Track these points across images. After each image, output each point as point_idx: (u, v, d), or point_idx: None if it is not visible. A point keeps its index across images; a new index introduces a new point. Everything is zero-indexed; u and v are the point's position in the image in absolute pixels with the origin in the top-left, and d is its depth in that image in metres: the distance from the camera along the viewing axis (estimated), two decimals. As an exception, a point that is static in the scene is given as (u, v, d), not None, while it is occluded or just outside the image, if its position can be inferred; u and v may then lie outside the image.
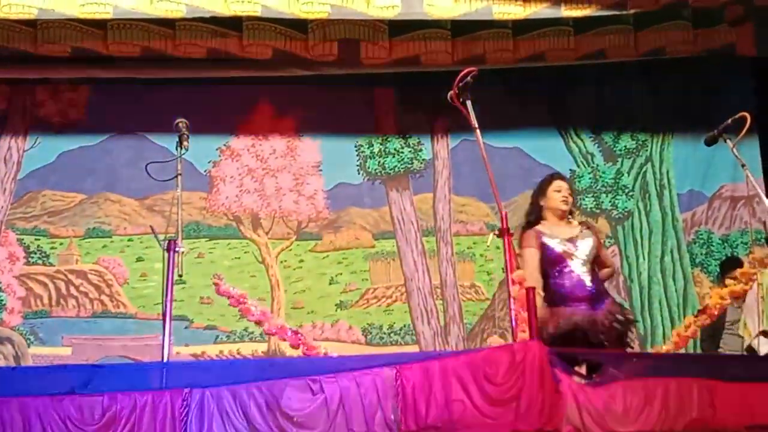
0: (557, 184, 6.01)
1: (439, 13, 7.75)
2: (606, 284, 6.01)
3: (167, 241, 4.83)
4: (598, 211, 9.14)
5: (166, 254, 4.79)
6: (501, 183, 6.22)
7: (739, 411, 4.45)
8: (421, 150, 9.06)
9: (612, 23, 8.15)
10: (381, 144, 9.03)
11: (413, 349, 8.45)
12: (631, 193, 9.21)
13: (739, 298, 6.55)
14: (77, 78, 8.43)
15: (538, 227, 5.86)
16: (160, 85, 8.37)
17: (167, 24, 7.73)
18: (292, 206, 8.82)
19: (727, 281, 5.53)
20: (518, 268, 4.90)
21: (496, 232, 4.82)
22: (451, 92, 5.16)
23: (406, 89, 9.05)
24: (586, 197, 9.12)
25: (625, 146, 9.27)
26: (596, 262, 5.84)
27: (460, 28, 8.09)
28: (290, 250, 8.74)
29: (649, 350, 8.14)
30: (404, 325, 8.69)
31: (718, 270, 8.29)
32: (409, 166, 9.04)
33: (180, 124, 5.32)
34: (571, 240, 5.80)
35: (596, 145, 9.27)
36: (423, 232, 8.91)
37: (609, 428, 4.16)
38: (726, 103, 7.96)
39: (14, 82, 8.50)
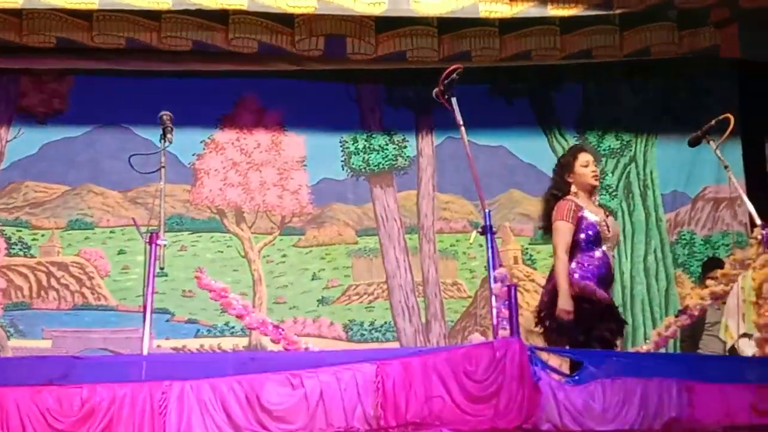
0: (584, 157, 5.84)
1: (426, 10, 7.76)
2: None
3: (149, 234, 4.81)
4: (581, 210, 9.14)
5: (148, 247, 4.78)
6: (485, 181, 6.22)
7: (717, 411, 4.47)
8: (405, 147, 9.06)
9: (598, 23, 8.19)
10: (366, 140, 9.02)
11: (394, 346, 8.45)
12: (614, 193, 9.23)
13: (720, 299, 6.58)
14: (62, 69, 8.39)
15: (576, 200, 5.74)
16: (144, 77, 8.34)
17: (153, 16, 7.71)
18: (276, 201, 8.80)
19: (708, 282, 5.55)
20: (501, 265, 4.90)
21: (480, 230, 4.82)
22: (437, 89, 5.17)
23: (391, 86, 9.05)
24: (570, 196, 9.13)
25: (610, 146, 9.29)
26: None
27: (447, 26, 8.11)
28: (273, 244, 8.73)
29: (630, 350, 8.17)
30: (385, 322, 8.69)
31: (700, 271, 8.33)
32: (394, 162, 9.03)
33: (164, 117, 5.31)
34: (605, 220, 5.73)
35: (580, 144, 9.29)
36: (406, 229, 8.91)
37: (587, 427, 4.18)
38: (710, 105, 8.02)
39: (-2, 72, 8.47)
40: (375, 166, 8.99)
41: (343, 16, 7.89)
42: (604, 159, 9.28)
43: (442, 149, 8.98)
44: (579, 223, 5.65)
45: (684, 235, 9.15)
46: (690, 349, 7.50)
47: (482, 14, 7.85)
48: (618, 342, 5.81)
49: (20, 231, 8.43)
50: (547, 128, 9.24)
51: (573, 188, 5.77)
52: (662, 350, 6.92)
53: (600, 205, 5.95)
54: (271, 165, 8.85)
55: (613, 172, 9.27)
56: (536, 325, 5.83)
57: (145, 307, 4.65)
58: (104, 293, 8.35)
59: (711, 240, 9.15)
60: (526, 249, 9.01)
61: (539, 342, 8.32)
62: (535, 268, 8.95)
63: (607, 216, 5.82)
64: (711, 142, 5.73)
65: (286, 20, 7.90)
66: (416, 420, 4.01)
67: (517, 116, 9.13)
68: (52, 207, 8.48)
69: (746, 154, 8.85)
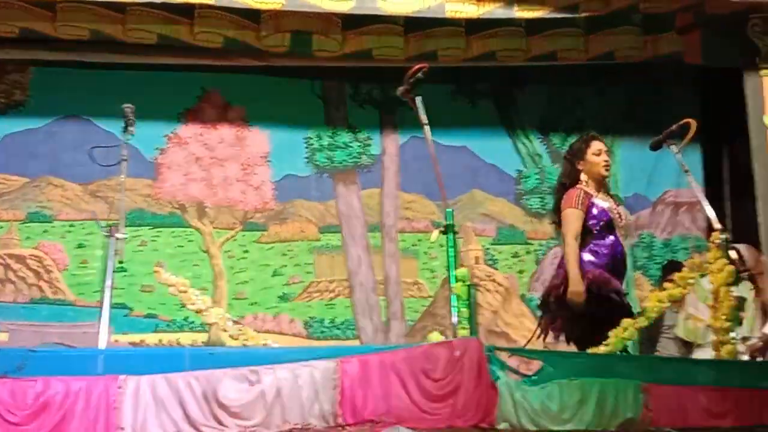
0: (596, 145, 5.82)
1: (393, 8, 7.76)
2: None
3: (109, 227, 4.78)
4: (543, 211, 9.19)
5: (107, 240, 4.74)
6: (448, 181, 6.22)
7: (672, 412, 4.51)
8: (370, 145, 9.06)
9: (563, 26, 8.21)
10: (330, 137, 9.01)
11: (354, 343, 8.45)
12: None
13: (678, 302, 6.65)
14: (24, 59, 8.29)
15: (585, 188, 5.72)
16: (108, 69, 8.26)
17: (117, 8, 7.63)
18: (239, 196, 8.76)
19: (666, 285, 5.59)
20: (462, 265, 4.91)
21: (441, 230, 4.83)
22: (402, 88, 5.17)
23: (357, 83, 9.05)
24: (532, 197, 9.19)
25: (573, 149, 9.33)
26: None
27: (413, 25, 8.10)
28: (235, 240, 8.69)
29: (587, 351, 8.22)
30: (346, 320, 8.69)
31: (660, 274, 8.40)
32: (358, 160, 9.03)
33: (126, 109, 5.28)
34: (616, 208, 5.73)
35: (544, 146, 9.34)
36: (369, 228, 8.91)
37: (544, 426, 4.20)
38: (672, 110, 8.06)
39: (-41, 62, 8.36)
40: (339, 163, 8.98)
41: (309, 13, 7.85)
42: (567, 161, 9.32)
43: (407, 148, 8.99)
44: (589, 210, 5.65)
45: (644, 237, 9.23)
46: (648, 352, 7.56)
47: (449, 14, 7.86)
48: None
49: (-22, 222, 8.34)
50: (511, 129, 9.28)
51: (583, 176, 5.76)
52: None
53: (611, 195, 5.91)
54: (234, 160, 8.81)
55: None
56: (542, 318, 5.78)
57: (102, 300, 4.61)
58: (62, 287, 8.27)
59: (670, 243, 9.23)
60: (488, 249, 9.04)
61: (501, 342, 8.42)
62: (496, 269, 8.99)
63: (618, 205, 5.80)
64: (672, 147, 5.77)
65: (252, 15, 7.85)
66: (374, 418, 4.02)
67: (481, 117, 9.17)
68: (11, 199, 8.39)
69: (706, 159, 8.95)
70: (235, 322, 5.18)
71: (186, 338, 8.29)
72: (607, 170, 5.77)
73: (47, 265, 8.31)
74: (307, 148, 8.96)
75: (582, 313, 5.48)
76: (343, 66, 8.46)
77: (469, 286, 4.49)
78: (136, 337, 8.21)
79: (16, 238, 8.34)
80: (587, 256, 5.62)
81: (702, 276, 5.70)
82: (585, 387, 4.37)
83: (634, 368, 4.70)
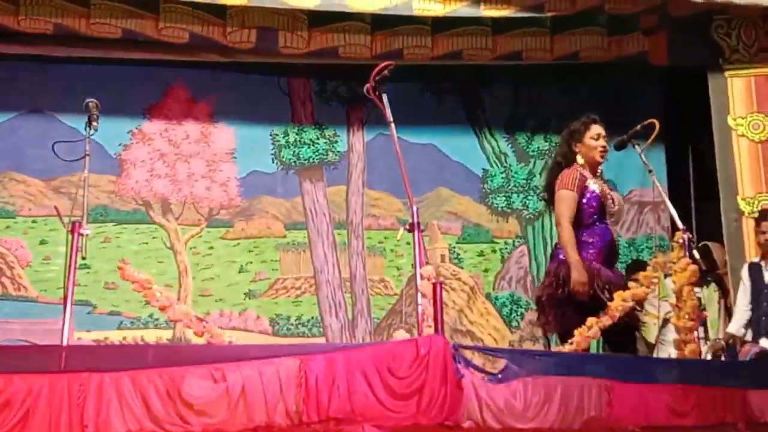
0: (595, 129, 5.75)
1: (360, 6, 7.76)
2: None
3: (72, 223, 4.73)
4: (509, 210, 9.24)
5: (70, 236, 4.70)
6: (414, 178, 6.24)
7: (635, 411, 4.54)
8: (336, 142, 9.05)
9: (529, 25, 8.26)
10: (296, 134, 8.99)
11: (320, 341, 8.44)
12: (542, 194, 9.31)
13: (641, 301, 6.69)
14: (-15, 53, 8.21)
15: (581, 170, 5.67)
16: (71, 63, 8.19)
17: (81, 2, 7.59)
18: (204, 192, 8.72)
19: (630, 284, 5.62)
20: (428, 263, 4.90)
21: (407, 227, 4.82)
22: (368, 85, 5.16)
23: (323, 80, 9.03)
24: (498, 196, 9.22)
25: (538, 147, 9.39)
26: None
27: (380, 23, 8.10)
28: (200, 236, 8.65)
29: (552, 349, 8.27)
30: (312, 317, 8.67)
31: (624, 273, 8.45)
32: (324, 157, 9.02)
33: (90, 104, 5.23)
34: (610, 194, 5.67)
35: (509, 145, 9.38)
36: (335, 225, 8.91)
37: (508, 424, 4.21)
38: (637, 110, 8.11)
39: None
40: (305, 160, 8.96)
41: (275, 9, 7.84)
42: (532, 160, 9.38)
43: (373, 145, 8.99)
44: (583, 193, 5.62)
45: (609, 237, 9.28)
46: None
47: (416, 12, 7.87)
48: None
49: (-61, 218, 8.24)
50: (477, 127, 9.31)
51: (579, 159, 5.73)
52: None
53: (605, 181, 5.83)
54: (199, 156, 8.77)
55: (541, 174, 9.36)
56: (539, 313, 5.76)
57: (65, 298, 4.57)
58: (24, 284, 8.19)
59: (635, 243, 9.30)
60: (454, 248, 9.07)
61: (466, 341, 8.45)
62: (461, 267, 9.02)
63: (611, 190, 5.75)
64: (636, 146, 5.81)
65: (218, 11, 7.82)
66: (338, 416, 4.00)
67: (448, 115, 9.19)
68: (-27, 194, 8.30)
69: (670, 159, 9.02)
70: (200, 319, 5.14)
71: (150, 335, 8.24)
72: (603, 156, 5.71)
73: (9, 262, 8.22)
74: (273, 144, 8.94)
75: (575, 307, 5.47)
76: (309, 63, 8.45)
77: (434, 284, 4.48)
78: (99, 335, 8.14)
79: (-22, 233, 8.25)
80: (578, 247, 5.61)
81: (665, 276, 5.75)
82: (549, 385, 4.39)
83: (598, 366, 4.72)
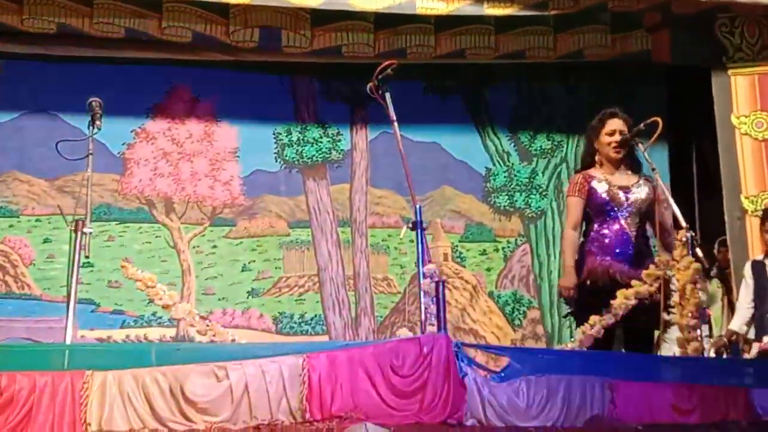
0: (611, 125, 5.66)
1: (363, 4, 7.77)
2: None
3: (75, 222, 4.74)
4: (511, 209, 9.24)
5: (73, 235, 4.70)
6: (418, 177, 6.24)
7: (639, 409, 4.54)
8: (339, 140, 9.05)
9: (532, 24, 8.26)
10: (300, 132, 8.99)
11: (323, 339, 8.45)
12: (544, 193, 9.32)
13: (644, 298, 6.66)
14: (-10, 53, 8.22)
15: (591, 171, 5.64)
16: (75, 63, 8.19)
17: (85, 1, 7.61)
18: (207, 192, 8.73)
19: (633, 282, 5.61)
20: (431, 262, 4.90)
21: (410, 226, 4.82)
22: (371, 84, 5.16)
23: (326, 79, 9.03)
24: (501, 195, 9.22)
25: (541, 146, 9.39)
26: (651, 221, 5.58)
27: (383, 21, 8.11)
28: (203, 235, 8.66)
29: (555, 347, 8.28)
30: (315, 315, 8.67)
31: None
32: (327, 156, 9.02)
33: (93, 103, 5.24)
34: (624, 188, 5.60)
35: (512, 144, 9.37)
36: (338, 223, 8.91)
37: (511, 422, 4.21)
38: (640, 108, 8.10)
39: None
40: (308, 158, 8.96)
41: (278, 8, 7.85)
42: (535, 159, 9.37)
43: (377, 144, 8.99)
44: (590, 195, 5.59)
45: (612, 235, 9.26)
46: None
47: (419, 11, 7.88)
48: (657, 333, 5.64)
49: (-56, 217, 8.25)
50: (481, 126, 9.30)
51: (597, 157, 5.69)
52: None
53: (634, 173, 5.68)
54: (202, 155, 8.77)
55: (543, 173, 9.36)
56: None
57: (69, 296, 4.58)
58: (28, 282, 8.20)
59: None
60: (456, 246, 9.07)
61: (469, 339, 8.45)
62: (464, 266, 9.02)
63: (634, 184, 5.61)
64: (640, 145, 5.80)
65: (220, 10, 7.83)
66: (341, 414, 4.01)
67: (451, 114, 9.18)
68: (-23, 193, 8.31)
69: (672, 158, 9.01)
70: (203, 318, 5.15)
71: (153, 334, 8.24)
72: (617, 152, 5.61)
73: (13, 260, 8.23)
74: (276, 143, 8.94)
75: (583, 306, 5.46)
76: (312, 62, 8.45)
77: (437, 282, 4.49)
78: (103, 333, 8.16)
79: (-17, 232, 8.26)
80: (589, 246, 5.61)
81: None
82: (552, 383, 4.39)
83: (601, 365, 4.72)
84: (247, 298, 8.58)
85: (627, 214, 5.59)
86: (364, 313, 8.76)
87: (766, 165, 7.98)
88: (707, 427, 4.53)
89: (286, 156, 8.93)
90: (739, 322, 7.05)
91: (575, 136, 9.38)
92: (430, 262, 4.77)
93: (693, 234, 5.42)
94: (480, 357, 5.27)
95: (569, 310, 5.75)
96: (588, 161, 5.79)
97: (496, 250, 9.15)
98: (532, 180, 9.31)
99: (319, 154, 8.99)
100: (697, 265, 5.30)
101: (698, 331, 5.31)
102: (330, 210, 8.93)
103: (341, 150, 9.04)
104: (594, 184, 5.63)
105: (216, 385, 3.97)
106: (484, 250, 9.12)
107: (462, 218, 9.13)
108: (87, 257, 4.74)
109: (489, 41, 8.28)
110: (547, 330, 9.02)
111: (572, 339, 5.39)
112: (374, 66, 5.16)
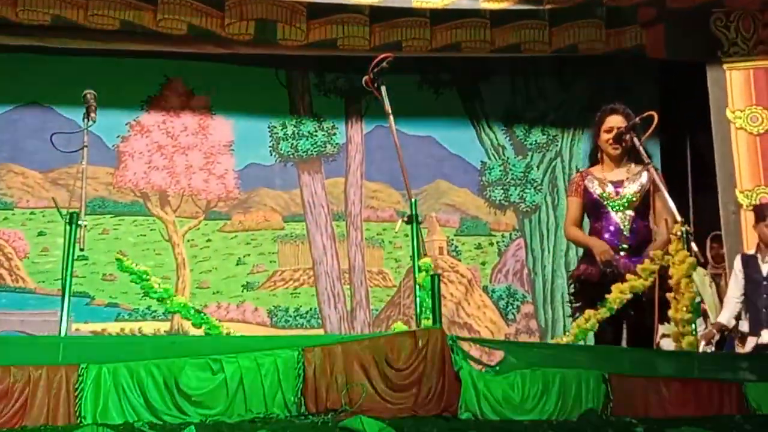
0: (610, 121, 5.62)
1: (358, -2, 7.76)
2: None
3: (69, 215, 4.72)
4: (506, 203, 9.25)
5: (68, 227, 4.69)
6: (413, 170, 6.25)
7: (634, 403, 4.54)
8: (334, 134, 9.05)
9: (528, 18, 8.25)
10: (295, 126, 8.99)
11: (318, 332, 8.45)
12: (539, 187, 9.33)
13: (643, 293, 6.67)
14: (-17, 45, 8.19)
15: (592, 169, 5.67)
16: (69, 55, 8.18)
17: (80, -7, 7.59)
18: (202, 185, 8.72)
19: (628, 276, 5.61)
20: (426, 255, 4.90)
21: (405, 219, 4.82)
22: (366, 77, 5.15)
23: (322, 72, 9.02)
24: (496, 189, 9.22)
25: (536, 140, 9.40)
26: (648, 212, 5.55)
27: (379, 15, 8.10)
28: (198, 229, 8.65)
29: (550, 341, 8.28)
30: (310, 309, 8.68)
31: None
32: (322, 149, 9.01)
33: (88, 95, 5.21)
34: (617, 183, 5.58)
35: (507, 138, 9.38)
36: (333, 216, 8.91)
37: (506, 416, 4.20)
38: (635, 103, 8.10)
39: None
40: (303, 152, 8.96)
41: (274, 1, 7.85)
42: (530, 153, 9.38)
43: (372, 137, 8.99)
44: (585, 194, 5.61)
45: (606, 229, 9.27)
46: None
47: (414, 4, 7.88)
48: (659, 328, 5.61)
49: (-63, 210, 8.23)
50: (476, 120, 9.31)
51: (600, 153, 5.69)
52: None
53: (636, 164, 5.60)
54: (197, 149, 8.77)
55: (538, 167, 9.37)
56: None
57: (63, 289, 4.57)
58: (22, 275, 8.19)
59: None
60: (452, 240, 9.07)
61: (463, 333, 8.45)
62: (459, 260, 9.03)
63: (629, 178, 5.56)
64: (634, 139, 5.80)
65: (216, 2, 7.82)
66: (336, 407, 4.00)
67: (446, 107, 9.19)
68: (-29, 186, 8.30)
69: (665, 152, 9.01)
70: (198, 311, 5.14)
71: (148, 327, 8.24)
72: (614, 149, 5.57)
73: (7, 253, 8.22)
74: (271, 137, 8.94)
75: (590, 300, 5.45)
76: (307, 55, 8.44)
77: (432, 276, 4.48)
78: (97, 326, 8.15)
79: (-23, 225, 8.25)
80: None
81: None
82: (547, 377, 4.38)
83: (596, 358, 4.72)
84: (242, 291, 8.58)
85: (621, 208, 5.59)
86: (360, 307, 8.76)
87: (761, 159, 7.99)
88: (701, 422, 4.53)
89: (281, 149, 8.92)
90: (727, 316, 7.08)
91: (570, 130, 9.41)
92: (425, 255, 4.77)
93: (688, 228, 5.42)
94: (475, 350, 5.28)
95: (574, 306, 5.73)
96: (594, 159, 5.80)
97: (491, 244, 9.16)
98: (527, 174, 9.32)
99: (314, 148, 8.99)
100: (692, 259, 5.29)
101: (694, 326, 5.31)
102: (325, 204, 8.93)
103: (336, 144, 9.04)
104: (588, 182, 5.65)
105: (211, 378, 3.96)
106: (479, 244, 9.13)
107: (457, 212, 9.13)
108: (81, 250, 4.73)
109: (484, 35, 8.27)
110: (540, 325, 9.03)
111: (566, 333, 5.38)
112: (370, 59, 5.16)
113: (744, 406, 4.74)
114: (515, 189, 9.29)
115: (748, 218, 7.61)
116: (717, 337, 7.23)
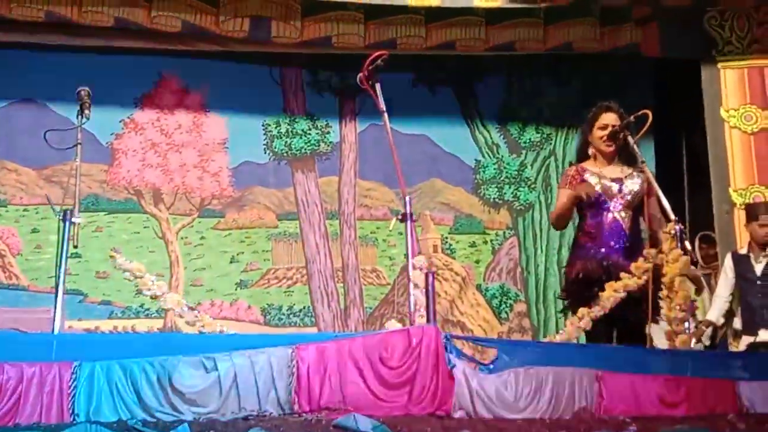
0: (604, 119, 5.63)
1: (353, -5, 7.75)
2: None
3: (63, 212, 4.71)
4: (500, 201, 9.25)
5: (61, 224, 4.68)
6: (407, 169, 6.21)
7: (626, 401, 4.55)
8: (328, 132, 9.05)
9: (522, 16, 8.25)
10: (288, 124, 8.98)
11: (312, 331, 8.45)
12: (533, 186, 9.34)
13: (632, 292, 6.67)
14: (-23, 41, 8.17)
15: (585, 164, 5.65)
16: (63, 52, 8.15)
17: (73, -10, 7.56)
18: (196, 183, 8.71)
19: (622, 275, 5.61)
20: (420, 253, 4.89)
21: (399, 217, 4.81)
22: (361, 75, 5.14)
23: (316, 70, 9.02)
24: (490, 187, 9.23)
25: (530, 139, 9.40)
26: (642, 213, 5.55)
27: (374, 12, 8.09)
28: (192, 226, 8.65)
29: (542, 339, 8.29)
30: (304, 307, 8.68)
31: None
32: (316, 148, 9.01)
33: (81, 92, 5.19)
34: (617, 180, 5.57)
35: (501, 136, 9.38)
36: (327, 215, 8.91)
37: (499, 414, 4.20)
38: (629, 102, 8.11)
39: None
40: (297, 150, 8.95)
41: (269, -1, 7.83)
42: (524, 151, 9.38)
43: (365, 136, 8.99)
44: (587, 187, 5.55)
45: (600, 228, 9.28)
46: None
47: (409, 2, 7.89)
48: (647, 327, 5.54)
49: (-69, 206, 8.21)
50: (470, 118, 9.31)
51: (591, 150, 5.67)
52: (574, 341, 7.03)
53: (628, 166, 5.63)
54: (191, 146, 8.76)
55: (532, 165, 9.38)
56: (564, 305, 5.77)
57: (57, 286, 4.56)
58: (16, 272, 8.18)
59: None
60: (446, 238, 9.08)
61: (457, 331, 8.46)
62: (453, 258, 9.03)
63: (627, 176, 5.58)
64: (628, 138, 5.80)
65: (210, 0, 7.80)
66: (330, 405, 4.00)
67: (441, 106, 9.19)
68: (-36, 183, 8.28)
69: (659, 151, 9.02)
70: (191, 309, 5.13)
71: (141, 325, 8.23)
72: (608, 146, 5.58)
73: (1, 250, 8.20)
74: (265, 135, 8.93)
75: (578, 299, 5.44)
76: (302, 53, 8.43)
77: (426, 274, 4.48)
78: (90, 324, 8.14)
79: (-30, 222, 8.23)
80: (582, 238, 5.61)
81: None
82: (540, 376, 4.39)
83: (589, 357, 4.72)
84: (236, 289, 8.58)
85: (620, 207, 5.58)
86: (353, 305, 8.76)
87: (754, 158, 8.00)
88: (694, 420, 4.54)
89: (274, 147, 8.92)
90: (716, 313, 7.10)
91: (564, 128, 9.41)
92: (419, 253, 4.76)
93: (682, 227, 5.42)
94: (469, 349, 5.28)
95: (566, 303, 5.73)
96: (582, 154, 5.78)
97: (485, 242, 9.17)
98: (521, 172, 9.33)
99: (308, 146, 8.98)
100: (686, 258, 5.30)
101: (686, 324, 5.32)
102: (318, 202, 8.92)
103: (330, 142, 9.04)
104: (587, 176, 5.62)
105: (204, 376, 3.95)
106: (474, 242, 9.14)
107: (451, 210, 9.13)
108: (75, 247, 4.72)
109: (479, 33, 8.26)
110: (533, 323, 9.04)
111: (561, 331, 5.38)
112: (364, 57, 5.14)
113: (737, 404, 4.75)
114: (509, 187, 9.30)
115: (741, 217, 7.62)
116: (708, 333, 7.24)
